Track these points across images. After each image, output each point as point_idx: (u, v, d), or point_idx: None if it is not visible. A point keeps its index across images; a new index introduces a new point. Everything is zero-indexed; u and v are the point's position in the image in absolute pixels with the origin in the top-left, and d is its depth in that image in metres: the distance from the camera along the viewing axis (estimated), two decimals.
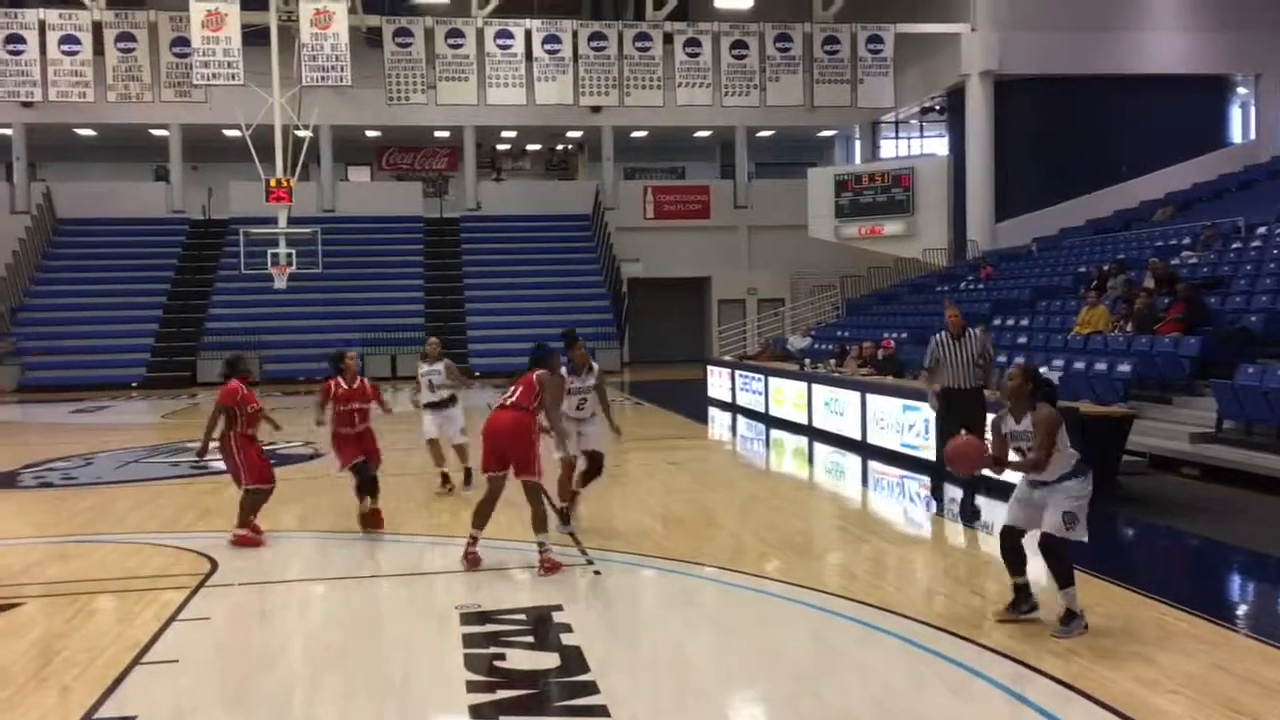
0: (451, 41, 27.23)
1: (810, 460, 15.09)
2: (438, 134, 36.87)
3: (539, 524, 8.08)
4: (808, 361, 19.85)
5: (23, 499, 12.69)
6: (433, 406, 11.81)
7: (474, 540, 8.28)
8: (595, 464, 9.73)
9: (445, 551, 8.94)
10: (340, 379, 9.89)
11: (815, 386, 16.77)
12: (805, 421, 16.88)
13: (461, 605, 7.19)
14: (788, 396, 17.89)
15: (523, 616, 6.98)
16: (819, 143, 40.50)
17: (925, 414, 12.22)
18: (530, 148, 40.96)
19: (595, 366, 9.76)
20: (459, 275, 33.87)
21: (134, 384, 28.65)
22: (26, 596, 7.79)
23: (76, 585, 8.24)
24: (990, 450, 6.72)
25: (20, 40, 26.15)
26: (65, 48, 26.25)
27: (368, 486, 9.84)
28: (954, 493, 10.55)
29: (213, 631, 6.97)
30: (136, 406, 24.76)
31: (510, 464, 8.03)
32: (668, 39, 28.13)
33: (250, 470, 9.34)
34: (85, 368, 28.76)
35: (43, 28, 26.24)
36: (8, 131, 32.62)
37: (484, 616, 6.94)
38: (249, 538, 9.30)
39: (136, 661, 6.19)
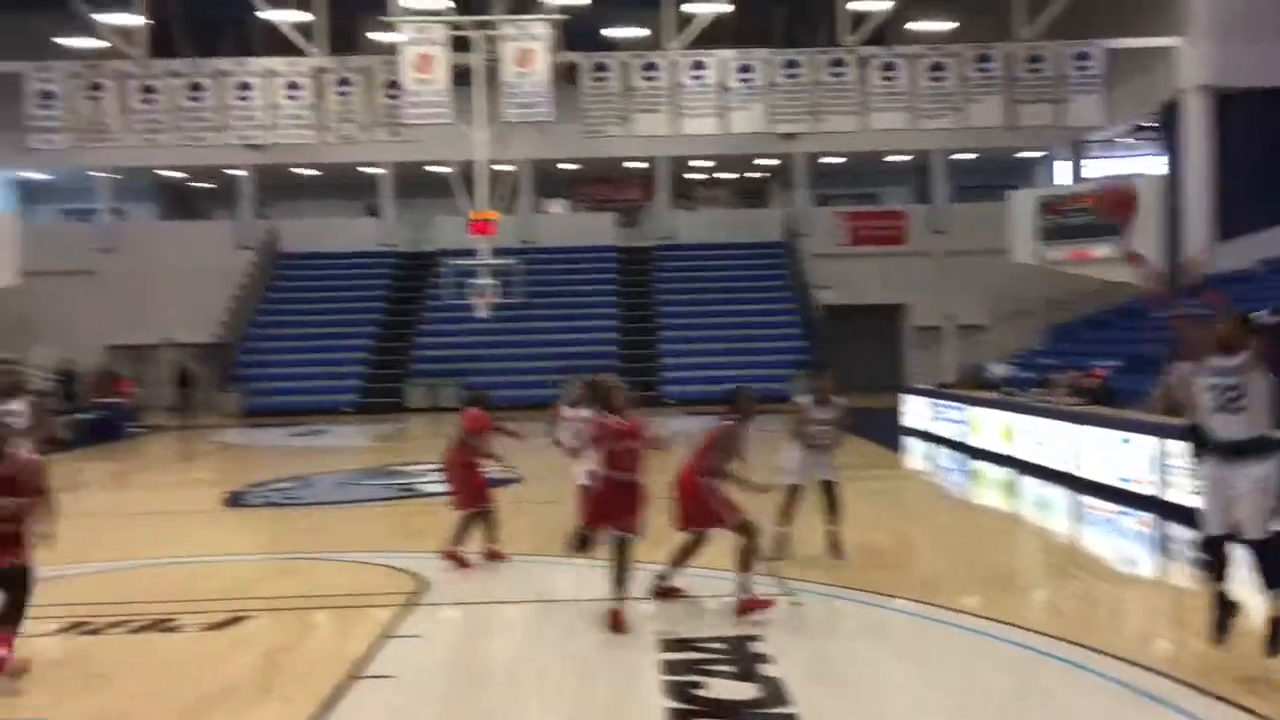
0: (646, 74, 27.72)
1: (1013, 492, 14.56)
2: (632, 165, 37.54)
3: (744, 561, 7.75)
4: (1010, 390, 19.18)
5: (249, 517, 13.54)
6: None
7: (664, 578, 8.19)
8: (832, 494, 9.67)
9: (645, 578, 9.04)
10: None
11: (1019, 416, 16.19)
12: (1008, 452, 16.30)
13: (661, 631, 7.25)
14: (989, 426, 17.32)
15: (723, 645, 6.98)
16: (1019, 164, 39.19)
17: (1145, 447, 11.61)
18: (722, 176, 41.18)
19: (839, 400, 9.80)
20: (651, 304, 34.30)
21: (347, 409, 30.16)
22: (254, 610, 8.28)
23: (298, 600, 8.71)
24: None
25: (249, 87, 28.07)
26: (289, 93, 28.02)
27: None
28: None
29: (426, 649, 7.23)
30: (349, 430, 26.05)
31: (702, 523, 7.90)
32: (862, 63, 27.85)
33: (473, 494, 9.75)
34: (303, 393, 30.46)
35: (269, 76, 28.10)
36: (238, 173, 35.00)
37: (684, 644, 6.98)
38: (457, 554, 9.61)
39: (354, 676, 6.49)
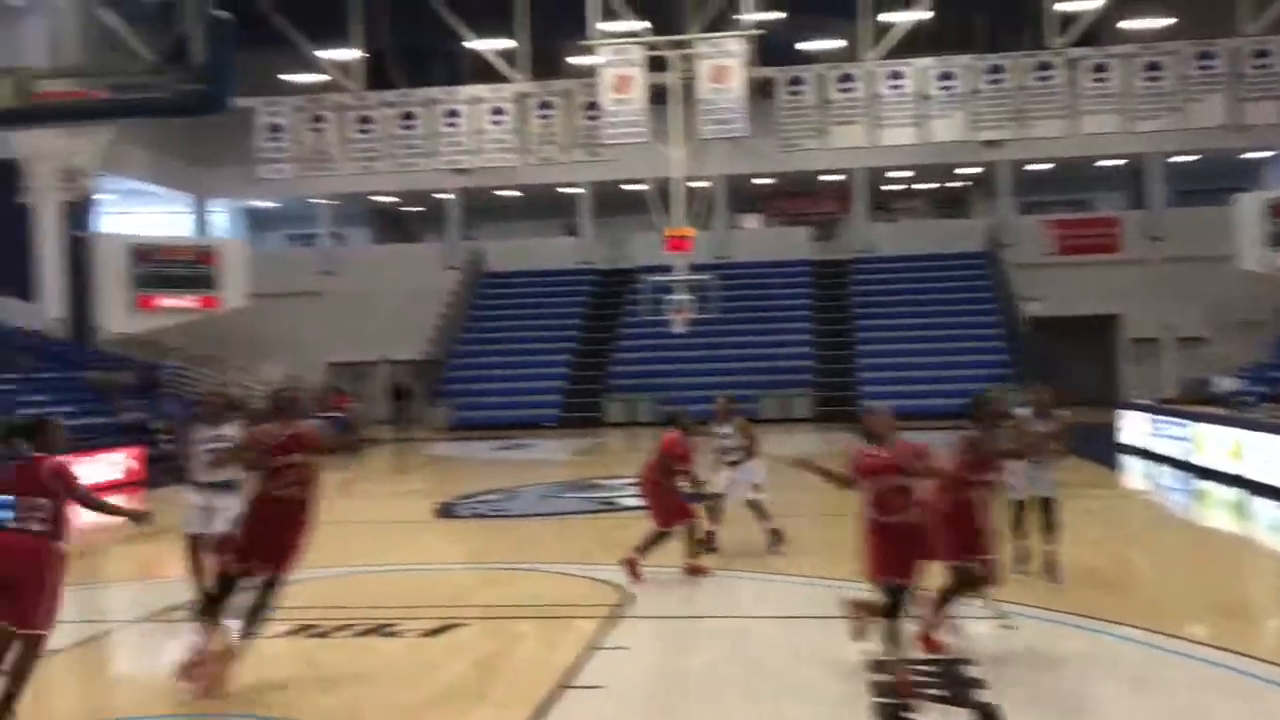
0: (843, 86, 27.43)
1: (1243, 513, 13.64)
2: (827, 178, 37.18)
3: (941, 599, 7.21)
4: (1239, 405, 17.99)
5: (459, 528, 14.04)
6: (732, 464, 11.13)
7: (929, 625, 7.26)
8: (1050, 512, 9.33)
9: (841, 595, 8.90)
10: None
11: (1250, 433, 15.16)
12: (1237, 471, 15.28)
13: (869, 652, 7.12)
14: (1216, 443, 16.28)
15: (933, 669, 6.80)
16: (1244, 166, 36.77)
17: None
18: (921, 186, 40.29)
19: (1060, 413, 9.55)
20: (848, 318, 33.82)
21: (548, 424, 30.91)
22: (466, 618, 8.57)
23: (507, 610, 8.97)
24: None
25: (457, 114, 29.25)
26: (494, 118, 29.05)
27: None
28: None
29: (633, 661, 7.33)
30: (550, 445, 26.69)
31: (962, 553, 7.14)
32: (1071, 65, 26.77)
33: (671, 512, 9.81)
34: (506, 408, 31.40)
35: (475, 103, 29.21)
36: (445, 196, 36.47)
37: (892, 665, 6.82)
38: (635, 563, 9.58)
39: (564, 685, 6.63)
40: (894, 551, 6.46)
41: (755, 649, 7.64)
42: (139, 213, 37.79)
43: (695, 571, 9.78)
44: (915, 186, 40.21)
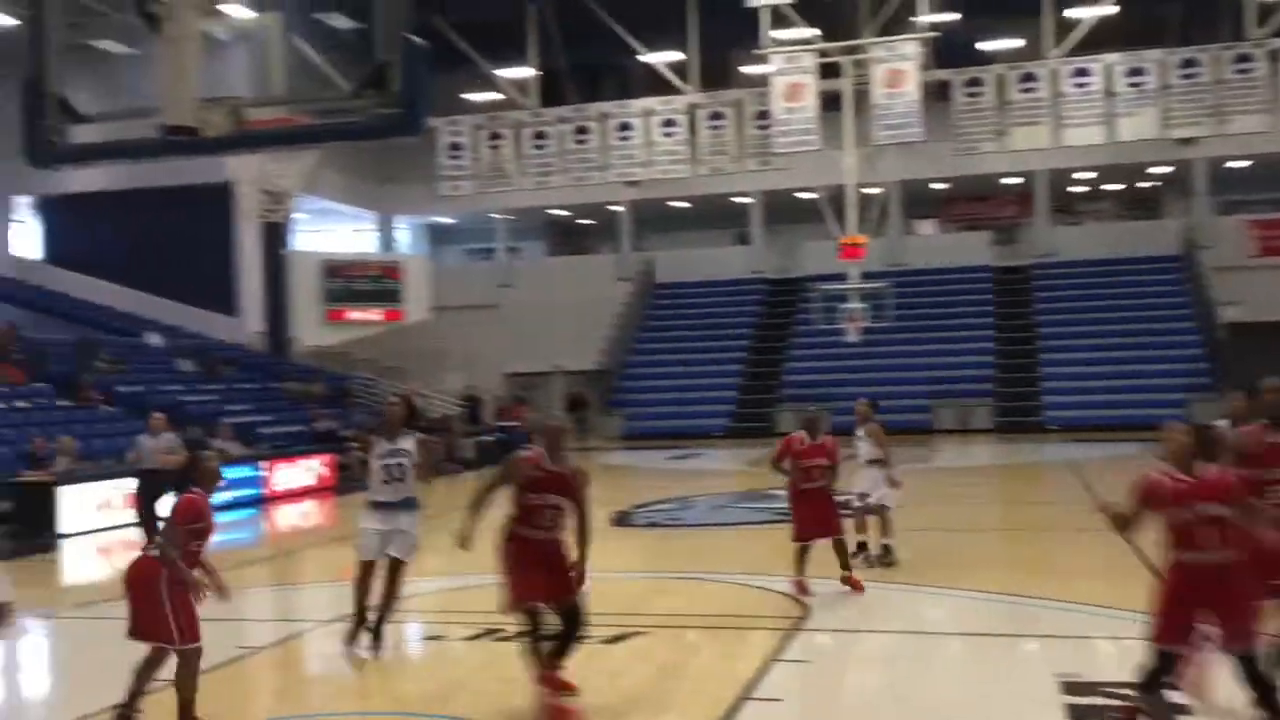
0: (1024, 86, 26.54)
1: None
2: (1007, 181, 36.06)
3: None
4: None
5: (635, 536, 14.18)
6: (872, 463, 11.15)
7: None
8: None
9: (1038, 614, 8.60)
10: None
11: None
12: None
13: (1062, 674, 6.85)
14: None
15: (1135, 693, 6.48)
16: None
17: None
18: (1107, 187, 38.62)
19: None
20: (1031, 325, 32.69)
21: (719, 433, 30.91)
22: (645, 626, 8.64)
23: (683, 619, 9.01)
24: None
25: (629, 127, 29.62)
26: (665, 130, 29.29)
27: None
28: None
29: (814, 675, 7.26)
30: (722, 454, 26.69)
31: None
32: (1273, 57, 25.21)
33: (797, 523, 9.57)
34: (678, 418, 31.57)
35: (647, 115, 29.52)
36: (617, 208, 36.98)
37: (1089, 688, 6.55)
38: (801, 584, 9.33)
39: (744, 697, 6.61)
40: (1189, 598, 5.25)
41: (940, 667, 7.45)
42: (328, 230, 39.70)
43: (852, 584, 9.46)
44: (1102, 188, 38.58)
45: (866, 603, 9.32)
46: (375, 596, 7.71)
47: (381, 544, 7.72)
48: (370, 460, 7.93)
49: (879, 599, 9.48)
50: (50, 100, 5.02)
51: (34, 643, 9.71)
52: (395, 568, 7.75)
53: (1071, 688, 6.53)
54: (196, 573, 6.09)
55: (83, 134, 5.28)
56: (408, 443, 7.81)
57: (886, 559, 10.56)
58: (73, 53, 5.51)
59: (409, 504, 7.81)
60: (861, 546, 10.67)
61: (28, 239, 33.85)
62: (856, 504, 10.83)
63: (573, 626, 6.38)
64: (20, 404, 19.70)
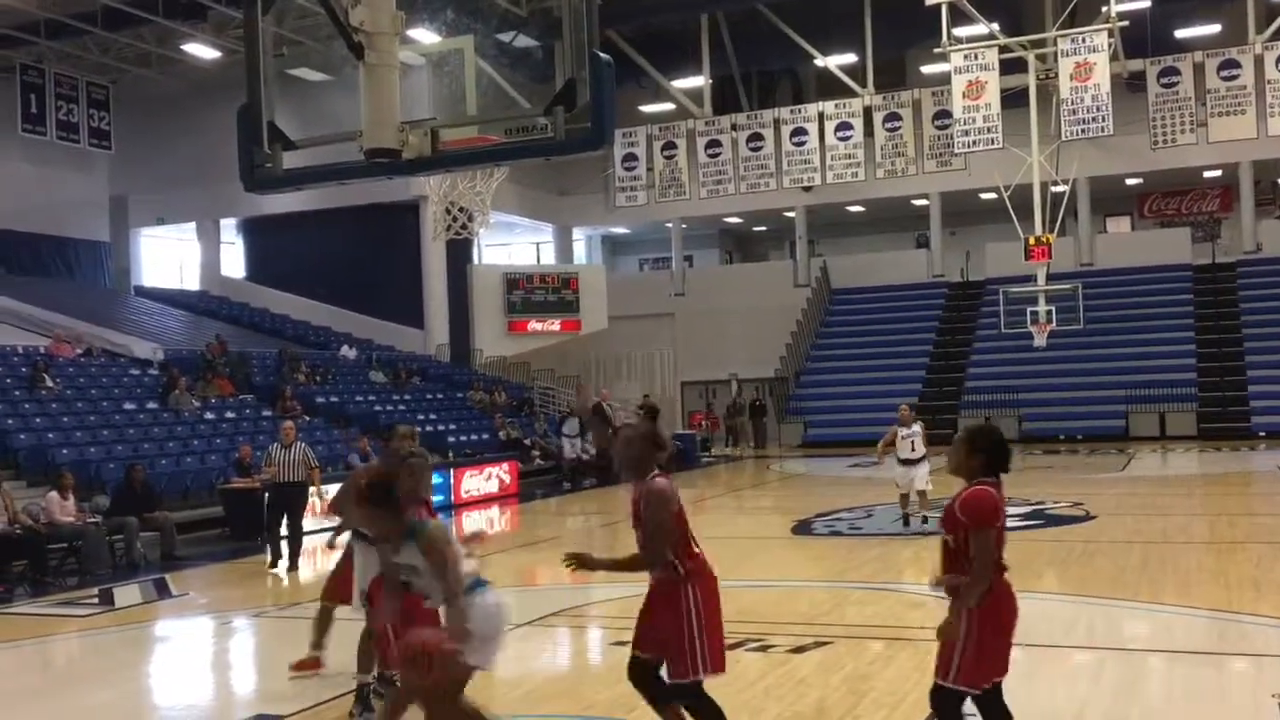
0: (1225, 74, 25.17)
1: None
2: (1207, 174, 34.18)
3: None
4: None
5: (817, 545, 14.04)
6: (906, 463, 13.88)
7: None
8: None
9: (1249, 632, 8.11)
10: None
11: None
12: None
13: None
14: None
15: None
16: None
17: None
18: None
19: None
20: (1236, 325, 30.83)
21: None
22: (832, 636, 8.54)
23: (872, 630, 8.86)
24: None
25: (803, 132, 29.44)
26: (840, 134, 29.00)
27: None
28: None
29: (1007, 693, 7.03)
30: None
31: None
32: None
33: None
34: (859, 425, 31.05)
35: (821, 119, 29.27)
36: (791, 214, 36.74)
37: None
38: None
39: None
40: None
41: (1143, 685, 7.11)
42: (508, 244, 40.80)
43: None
44: None
45: (1064, 618, 8.98)
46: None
47: None
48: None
49: (1076, 614, 9.12)
50: (264, 127, 5.33)
51: (251, 639, 10.30)
52: None
53: None
54: None
55: (288, 159, 5.58)
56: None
57: (927, 526, 12.88)
58: (277, 82, 5.84)
59: None
60: (906, 520, 13.94)
61: (232, 258, 36.03)
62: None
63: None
64: (229, 414, 20.95)
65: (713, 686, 7.12)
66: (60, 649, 9.97)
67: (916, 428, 13.98)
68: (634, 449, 5.24)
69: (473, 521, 18.44)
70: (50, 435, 17.47)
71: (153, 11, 26.18)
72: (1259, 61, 25.12)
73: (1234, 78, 25.25)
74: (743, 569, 12.12)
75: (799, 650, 7.93)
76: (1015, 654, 8.01)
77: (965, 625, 4.79)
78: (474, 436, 24.53)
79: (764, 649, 8.11)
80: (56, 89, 29.89)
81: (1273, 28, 25.23)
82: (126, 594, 12.06)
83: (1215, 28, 29.17)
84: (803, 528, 15.17)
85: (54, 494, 13.74)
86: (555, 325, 34.40)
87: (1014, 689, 7.12)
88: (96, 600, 11.78)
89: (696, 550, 5.26)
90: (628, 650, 7.10)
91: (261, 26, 5.39)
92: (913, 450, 13.87)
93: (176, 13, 26.37)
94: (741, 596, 10.50)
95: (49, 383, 19.53)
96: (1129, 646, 8.29)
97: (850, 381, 32.90)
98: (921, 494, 13.82)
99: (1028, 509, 15.63)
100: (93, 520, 13.99)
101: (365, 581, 6.52)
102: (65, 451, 16.78)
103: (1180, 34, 29.24)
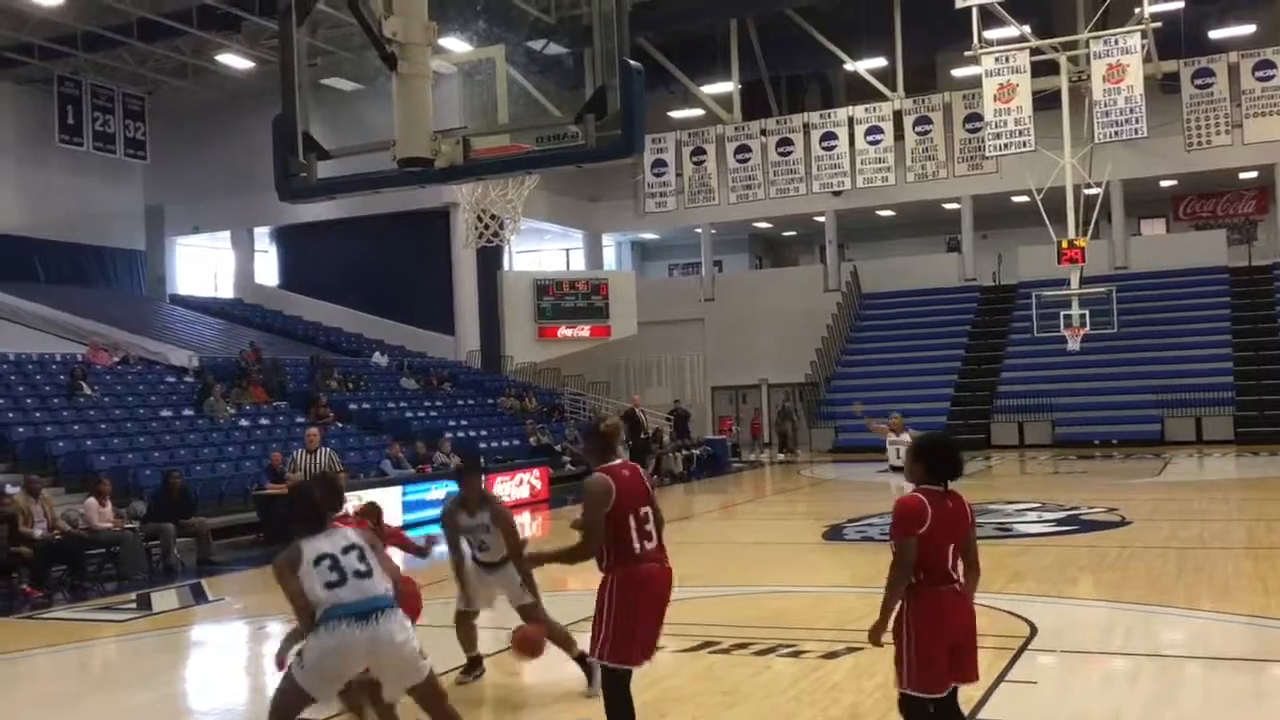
0: (1260, 74, 24.92)
1: None
2: (1243, 175, 33.82)
3: None
4: None
5: (848, 550, 14.00)
6: (895, 469, 13.67)
7: None
8: None
9: None
10: None
11: None
12: None
13: None
14: None
15: None
16: None
17: None
18: None
19: None
20: (1273, 328, 30.45)
21: None
22: (862, 642, 8.50)
23: None
24: None
25: (833, 137, 29.38)
26: (870, 138, 28.91)
27: None
28: None
29: (1041, 698, 6.99)
30: None
31: None
32: None
33: None
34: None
35: (851, 123, 29.19)
36: (821, 219, 36.65)
37: None
38: None
39: (971, 718, 6.42)
40: None
41: (1179, 691, 7.04)
42: (539, 250, 40.92)
43: None
44: None
45: (1099, 623, 8.91)
46: None
47: None
48: None
49: (1112, 620, 9.05)
50: (299, 138, 5.40)
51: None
52: None
53: None
54: None
55: (322, 169, 5.65)
56: None
57: None
58: (311, 91, 5.91)
59: None
60: None
61: (265, 266, 36.35)
62: None
63: None
64: (263, 421, 21.14)
65: (749, 691, 7.14)
66: (99, 653, 10.09)
67: (905, 437, 13.59)
68: (590, 444, 5.67)
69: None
70: (89, 442, 17.70)
71: (187, 23, 26.50)
72: None
73: (1270, 78, 25.00)
74: (774, 574, 12.12)
75: (831, 656, 7.91)
76: (1049, 660, 8.01)
77: (905, 633, 4.89)
78: (505, 443, 24.61)
79: (796, 654, 8.09)
80: (93, 100, 30.33)
81: None
82: (164, 599, 12.19)
83: (1250, 28, 28.89)
84: (834, 533, 15.12)
85: (92, 500, 13.91)
86: (585, 331, 34.43)
87: (1048, 694, 7.09)
88: (134, 605, 11.92)
89: (637, 545, 5.38)
90: (657, 655, 7.11)
91: (296, 39, 5.46)
92: (898, 457, 13.71)
93: (211, 24, 26.68)
94: (772, 602, 10.50)
95: (87, 390, 19.78)
96: (1165, 653, 8.21)
97: (881, 387, 32.70)
98: None
99: (1063, 514, 15.51)
100: (130, 526, 14.16)
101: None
102: (103, 458, 16.99)
103: (1214, 34, 28.97)
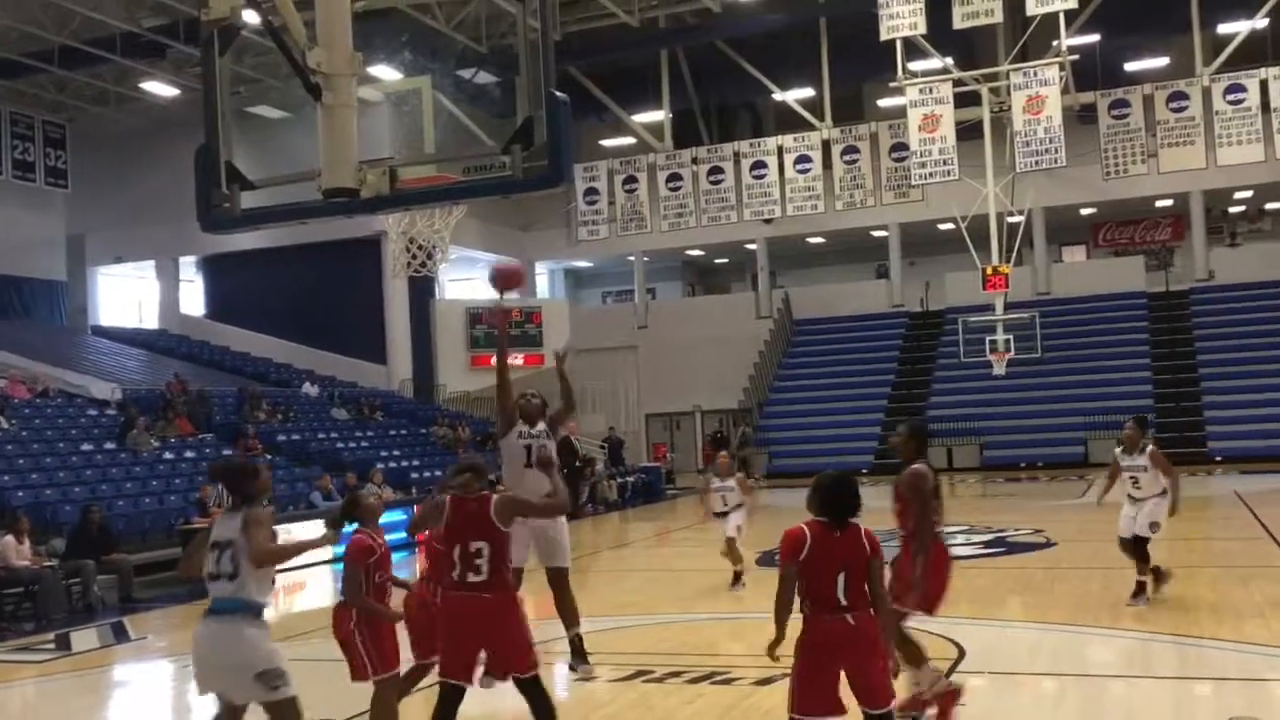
0: (1174, 105, 25.69)
1: None
2: (1159, 204, 34.82)
3: None
4: None
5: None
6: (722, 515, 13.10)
7: None
8: None
9: (1209, 656, 8.20)
10: None
11: None
12: None
13: (1237, 718, 6.52)
14: None
15: None
16: None
17: None
18: (1270, 206, 36.90)
19: None
20: (1191, 352, 31.32)
21: (864, 470, 30.41)
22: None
23: None
24: None
25: (763, 165, 29.70)
26: (799, 167, 29.27)
27: None
28: None
29: (968, 718, 7.07)
30: (869, 492, 26.12)
31: None
32: None
33: None
34: (823, 455, 31.16)
35: (780, 152, 29.55)
36: (752, 246, 36.98)
37: None
38: None
39: None
40: None
41: (1105, 710, 7.17)
42: (470, 278, 40.72)
43: None
44: (1265, 207, 36.89)
45: (1027, 644, 9.05)
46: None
47: None
48: None
49: (1039, 641, 9.19)
50: (221, 167, 5.34)
51: None
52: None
53: None
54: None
55: (247, 199, 5.59)
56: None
57: None
58: (236, 120, 5.85)
59: None
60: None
61: (191, 296, 35.74)
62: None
63: None
64: (189, 454, 20.72)
65: (662, 715, 7.12)
66: (17, 696, 9.78)
67: (730, 482, 13.06)
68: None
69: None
70: (5, 478, 17.18)
71: (111, 50, 26.08)
72: (1206, 93, 25.68)
73: (1183, 109, 25.79)
74: (709, 602, 12.12)
75: (765, 682, 7.92)
76: (979, 681, 8.09)
77: (796, 659, 5.06)
78: (438, 472, 24.37)
79: (729, 681, 8.10)
80: (12, 128, 29.68)
81: (1219, 60, 25.83)
82: (84, 638, 11.86)
83: (1164, 60, 29.81)
84: (767, 559, 15.15)
85: (9, 538, 13.50)
86: (519, 360, 34.28)
87: (975, 716, 7.16)
88: (53, 645, 11.58)
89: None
90: (589, 685, 7.05)
91: (219, 68, 5.41)
92: (724, 504, 13.11)
93: (135, 51, 26.28)
94: (706, 629, 10.50)
95: (4, 424, 19.25)
96: (1091, 672, 8.35)
97: (814, 412, 33.05)
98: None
99: (990, 536, 15.74)
100: (49, 564, 13.76)
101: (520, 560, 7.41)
102: (20, 494, 16.50)
103: (1130, 67, 29.86)
